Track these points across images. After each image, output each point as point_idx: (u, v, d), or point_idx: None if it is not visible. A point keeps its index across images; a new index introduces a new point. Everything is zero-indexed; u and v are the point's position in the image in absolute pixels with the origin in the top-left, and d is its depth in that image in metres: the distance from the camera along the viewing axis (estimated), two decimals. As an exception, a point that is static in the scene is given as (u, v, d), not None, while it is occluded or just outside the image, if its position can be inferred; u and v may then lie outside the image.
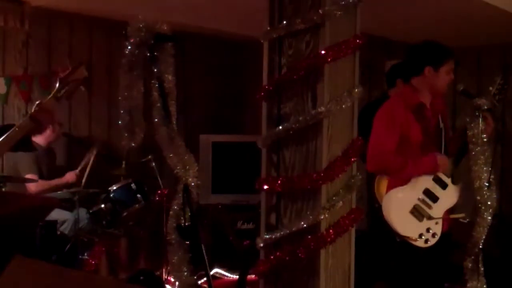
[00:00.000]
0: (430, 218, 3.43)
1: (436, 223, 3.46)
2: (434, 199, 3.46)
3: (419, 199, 3.44)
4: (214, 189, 5.56)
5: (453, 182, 3.52)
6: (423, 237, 3.41)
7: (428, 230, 3.43)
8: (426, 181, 3.46)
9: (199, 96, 6.26)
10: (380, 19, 4.34)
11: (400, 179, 3.46)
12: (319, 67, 2.68)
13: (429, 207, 3.45)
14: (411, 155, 3.45)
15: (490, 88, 3.44)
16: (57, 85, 2.73)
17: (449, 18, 4.39)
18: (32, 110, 2.75)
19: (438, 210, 3.47)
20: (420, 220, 3.43)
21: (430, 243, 3.43)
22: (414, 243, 3.40)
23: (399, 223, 3.41)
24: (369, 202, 3.75)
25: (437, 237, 3.45)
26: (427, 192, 3.46)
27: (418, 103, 3.51)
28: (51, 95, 2.74)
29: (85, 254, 4.33)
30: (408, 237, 3.40)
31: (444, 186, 3.49)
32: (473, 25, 4.63)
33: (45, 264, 2.31)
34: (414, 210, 3.42)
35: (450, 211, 3.62)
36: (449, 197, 3.51)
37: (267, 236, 2.84)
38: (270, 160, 2.89)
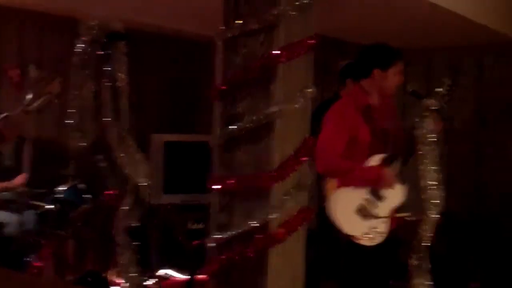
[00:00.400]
0: (376, 217, 3.49)
1: (382, 222, 3.51)
2: (380, 198, 3.52)
3: (365, 198, 3.49)
4: (166, 189, 5.51)
5: (400, 182, 3.59)
6: (368, 235, 3.47)
7: (374, 229, 3.48)
8: None
9: (152, 95, 6.20)
10: (333, 20, 4.38)
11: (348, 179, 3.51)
12: (273, 67, 2.69)
13: (375, 206, 3.50)
14: (359, 156, 3.50)
15: (439, 90, 3.51)
16: (28, 97, 2.61)
17: (400, 19, 4.46)
18: None
19: (384, 209, 3.52)
20: (366, 219, 3.47)
21: (376, 242, 3.48)
22: (359, 242, 3.45)
23: (344, 222, 3.45)
24: (318, 202, 3.79)
25: (383, 236, 3.50)
26: (373, 192, 3.51)
27: (367, 104, 3.56)
28: (20, 108, 2.62)
29: (32, 256, 4.23)
30: (353, 236, 3.45)
31: None
32: (423, 27, 4.71)
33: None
34: (359, 209, 3.46)
35: (398, 210, 3.69)
36: (395, 196, 3.57)
37: (218, 236, 2.84)
38: (222, 159, 2.88)
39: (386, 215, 3.52)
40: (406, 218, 4.15)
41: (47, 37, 5.48)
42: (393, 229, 3.61)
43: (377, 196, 3.50)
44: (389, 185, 3.50)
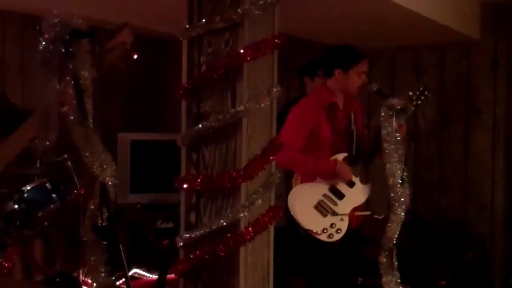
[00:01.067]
0: (334, 214, 3.54)
1: (341, 219, 3.57)
2: (340, 196, 3.57)
3: (324, 195, 3.55)
4: (133, 188, 5.47)
5: (362, 181, 3.64)
6: (326, 231, 3.51)
7: (332, 225, 3.53)
8: (333, 179, 3.58)
9: (118, 94, 6.15)
10: (298, 20, 4.40)
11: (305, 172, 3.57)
12: (238, 66, 2.69)
13: (334, 203, 3.56)
14: (320, 153, 3.56)
15: (410, 93, 3.56)
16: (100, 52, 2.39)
17: (364, 19, 4.50)
18: None
19: (343, 207, 3.58)
20: (324, 215, 3.53)
21: (333, 238, 3.54)
22: (317, 237, 3.51)
23: (302, 216, 3.51)
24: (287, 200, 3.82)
25: (341, 233, 3.55)
26: (333, 189, 3.57)
27: (330, 102, 3.63)
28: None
29: (-1, 256, 4.18)
30: (311, 231, 3.50)
31: (351, 184, 3.60)
32: (387, 27, 4.76)
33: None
34: (318, 205, 3.53)
35: (363, 209, 3.75)
36: (356, 195, 3.62)
37: (187, 235, 2.84)
38: (190, 158, 2.88)
39: (345, 213, 3.58)
40: (375, 216, 4.19)
41: (9, 34, 5.39)
42: (355, 227, 3.67)
43: (337, 193, 3.55)
44: (345, 179, 3.55)
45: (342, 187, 3.57)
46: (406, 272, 3.66)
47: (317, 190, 3.55)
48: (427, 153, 5.43)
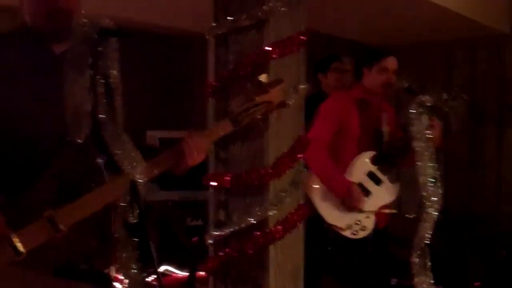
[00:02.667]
0: (360, 211, 3.53)
1: (368, 217, 3.55)
2: (366, 193, 3.55)
3: None
4: (162, 185, 5.51)
5: (390, 181, 3.62)
6: (351, 228, 3.50)
7: (357, 222, 3.51)
8: (360, 175, 3.56)
9: (147, 92, 6.20)
10: (325, 17, 4.40)
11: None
12: (265, 63, 2.69)
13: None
14: (347, 149, 3.55)
15: (445, 94, 3.51)
16: (243, 105, 2.30)
17: (393, 15, 4.47)
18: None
19: (370, 204, 3.55)
20: (350, 211, 3.51)
21: (358, 236, 3.52)
22: (341, 232, 3.49)
23: (327, 211, 3.50)
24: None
25: (366, 231, 3.53)
26: (360, 185, 3.54)
27: (362, 98, 3.64)
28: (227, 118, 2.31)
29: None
30: (335, 226, 3.49)
31: (378, 182, 3.58)
32: (415, 23, 4.72)
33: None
34: (344, 201, 3.50)
35: (391, 208, 3.73)
36: (383, 193, 3.60)
37: (216, 233, 2.85)
38: (218, 156, 2.89)
39: (372, 211, 3.56)
40: (407, 216, 4.15)
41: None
42: (383, 227, 3.65)
43: (364, 190, 3.53)
44: (355, 204, 3.53)
45: (369, 184, 3.55)
46: (438, 273, 3.62)
47: None
48: (459, 151, 5.36)
